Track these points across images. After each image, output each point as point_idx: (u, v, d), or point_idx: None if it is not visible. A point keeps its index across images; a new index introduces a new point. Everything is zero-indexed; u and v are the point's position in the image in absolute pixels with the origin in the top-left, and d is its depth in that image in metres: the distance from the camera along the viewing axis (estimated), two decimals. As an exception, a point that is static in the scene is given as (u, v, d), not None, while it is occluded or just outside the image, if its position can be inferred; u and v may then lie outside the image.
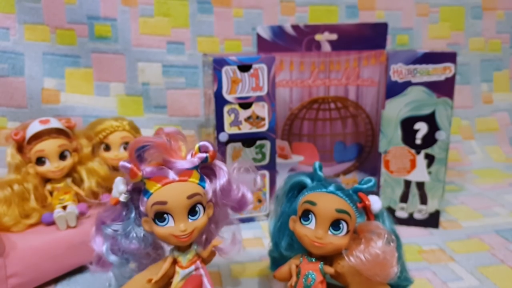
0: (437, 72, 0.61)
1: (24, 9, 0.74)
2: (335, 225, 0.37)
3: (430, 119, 0.62)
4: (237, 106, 0.63)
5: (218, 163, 0.40)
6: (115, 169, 0.63)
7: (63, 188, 0.57)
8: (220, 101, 0.62)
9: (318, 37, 0.69)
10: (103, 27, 0.79)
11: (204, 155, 0.38)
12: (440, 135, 0.62)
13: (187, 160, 0.38)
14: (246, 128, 0.64)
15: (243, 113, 0.64)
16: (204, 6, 0.83)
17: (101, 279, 0.53)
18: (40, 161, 0.55)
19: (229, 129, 0.64)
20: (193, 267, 0.38)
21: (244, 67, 0.62)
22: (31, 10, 0.75)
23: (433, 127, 0.62)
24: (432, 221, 0.65)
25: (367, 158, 0.75)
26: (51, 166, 0.55)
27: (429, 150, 0.63)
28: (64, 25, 0.77)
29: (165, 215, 0.36)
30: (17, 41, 0.74)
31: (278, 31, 0.68)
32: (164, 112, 0.84)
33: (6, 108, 0.74)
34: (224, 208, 0.43)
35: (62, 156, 0.56)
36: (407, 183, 0.65)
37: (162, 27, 0.82)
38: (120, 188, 0.38)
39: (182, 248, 0.39)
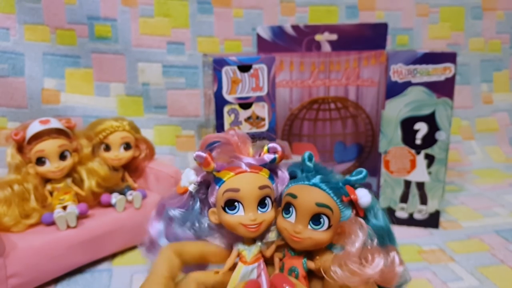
0: (437, 72, 0.61)
1: (24, 9, 0.75)
2: (315, 219, 0.35)
3: (430, 119, 0.62)
4: (237, 107, 0.63)
5: (282, 167, 0.40)
6: (115, 169, 0.63)
7: (63, 188, 0.57)
8: (220, 101, 0.62)
9: (318, 37, 0.69)
10: (103, 27, 0.79)
11: (272, 156, 0.38)
12: (440, 135, 0.62)
13: (255, 158, 0.38)
14: (246, 129, 0.64)
15: (243, 113, 0.64)
16: (204, 7, 0.83)
17: (101, 279, 0.53)
18: (40, 161, 0.55)
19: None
20: (256, 264, 0.38)
21: (244, 67, 0.62)
22: (31, 10, 0.75)
23: (433, 127, 0.62)
24: (432, 221, 0.65)
25: (367, 158, 0.75)
26: (51, 166, 0.55)
27: (429, 150, 0.63)
28: (64, 25, 0.77)
29: (235, 203, 0.36)
30: (17, 41, 0.74)
31: (278, 31, 0.68)
32: (164, 112, 0.84)
33: (6, 108, 0.74)
34: None
35: (62, 156, 0.56)
36: (407, 183, 0.65)
37: (162, 27, 0.82)
38: (191, 177, 0.38)
39: (247, 242, 0.38)
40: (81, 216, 0.56)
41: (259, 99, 0.64)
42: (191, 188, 0.38)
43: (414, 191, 0.65)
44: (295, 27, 0.68)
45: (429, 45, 0.93)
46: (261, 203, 0.37)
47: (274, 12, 0.86)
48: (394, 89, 0.63)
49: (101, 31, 0.79)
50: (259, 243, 0.38)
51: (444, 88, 0.61)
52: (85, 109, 0.79)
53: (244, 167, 0.37)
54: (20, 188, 0.54)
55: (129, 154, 0.64)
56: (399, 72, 0.62)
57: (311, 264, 0.37)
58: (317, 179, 0.37)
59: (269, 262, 0.39)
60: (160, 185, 0.64)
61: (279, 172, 0.40)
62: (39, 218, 0.54)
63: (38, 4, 0.75)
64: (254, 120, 0.64)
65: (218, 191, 0.37)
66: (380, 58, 0.69)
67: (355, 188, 0.37)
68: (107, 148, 0.62)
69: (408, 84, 0.62)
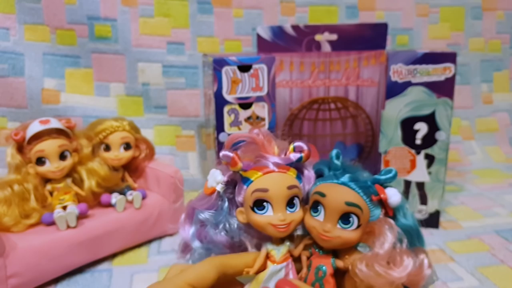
0: (437, 73, 0.61)
1: (24, 9, 0.75)
2: (344, 218, 0.35)
3: (430, 119, 0.62)
4: (237, 107, 0.63)
5: (308, 166, 0.40)
6: (115, 169, 0.63)
7: (63, 188, 0.57)
8: (220, 101, 0.62)
9: (318, 37, 0.69)
10: (103, 27, 0.79)
11: (298, 155, 0.38)
12: (440, 135, 0.62)
13: (281, 157, 0.38)
14: (246, 129, 0.64)
15: (243, 114, 0.64)
16: (204, 7, 0.83)
17: (101, 279, 0.53)
18: (40, 161, 0.55)
19: (229, 130, 0.64)
20: (284, 264, 0.38)
21: (244, 67, 0.62)
22: (31, 10, 0.75)
23: (433, 127, 0.62)
24: (432, 221, 0.65)
25: (367, 159, 0.75)
26: (51, 166, 0.56)
27: (429, 150, 0.63)
28: (64, 25, 0.77)
29: (264, 203, 0.36)
30: (17, 41, 0.74)
31: (278, 31, 0.68)
32: (164, 112, 0.84)
33: (6, 108, 0.74)
34: None
35: (62, 156, 0.56)
36: (407, 183, 0.65)
37: (162, 27, 0.82)
38: (218, 178, 0.38)
39: (276, 242, 0.38)
40: (81, 216, 0.56)
41: (259, 99, 0.64)
42: (219, 188, 0.38)
43: (414, 191, 0.65)
44: (295, 27, 0.68)
45: (429, 45, 0.93)
46: (290, 203, 0.37)
47: (274, 12, 0.86)
48: (394, 89, 0.63)
49: (101, 31, 0.79)
50: (287, 243, 0.38)
51: (444, 88, 0.61)
52: (85, 109, 0.79)
53: (271, 166, 0.37)
54: (20, 188, 0.54)
55: (129, 154, 0.64)
56: (399, 72, 0.62)
57: (340, 263, 0.37)
58: (346, 178, 0.36)
59: (297, 260, 0.39)
60: (160, 185, 0.64)
61: (305, 171, 0.39)
62: (39, 218, 0.54)
63: (38, 4, 0.75)
64: (254, 120, 0.64)
65: (246, 191, 0.37)
66: (380, 58, 0.69)
67: (384, 187, 0.37)
68: (107, 148, 0.62)
69: (408, 84, 0.62)
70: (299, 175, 0.39)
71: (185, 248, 0.41)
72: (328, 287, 0.36)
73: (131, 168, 0.66)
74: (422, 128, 0.63)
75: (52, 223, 0.54)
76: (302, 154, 0.38)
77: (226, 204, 0.39)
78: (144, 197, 0.62)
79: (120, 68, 0.81)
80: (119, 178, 0.63)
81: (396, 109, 0.63)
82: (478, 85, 0.98)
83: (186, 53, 0.83)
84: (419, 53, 0.61)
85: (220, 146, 0.64)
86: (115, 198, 0.60)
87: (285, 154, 0.38)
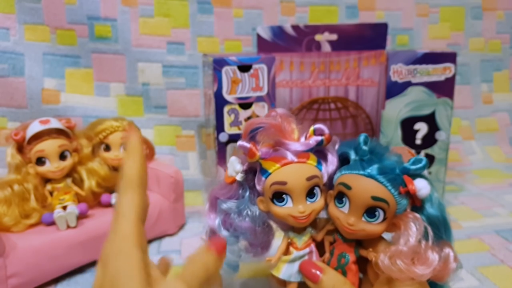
0: (437, 72, 0.61)
1: (24, 9, 0.75)
2: (370, 212, 0.34)
3: (430, 119, 0.62)
4: (237, 107, 0.63)
5: (330, 148, 0.39)
6: (115, 169, 0.63)
7: (63, 188, 0.57)
8: (220, 101, 0.62)
9: (318, 37, 0.69)
10: (103, 27, 0.79)
11: (319, 138, 0.37)
12: (440, 135, 0.62)
13: (301, 142, 0.37)
14: (246, 128, 0.64)
15: (243, 113, 0.64)
16: (204, 6, 0.83)
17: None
18: (40, 161, 0.55)
19: (229, 129, 0.64)
20: (307, 249, 0.38)
21: (244, 67, 0.62)
22: (31, 10, 0.75)
23: (433, 127, 0.62)
24: (432, 221, 0.65)
25: (367, 158, 0.75)
26: (51, 166, 0.55)
27: (429, 150, 0.63)
28: (64, 25, 0.77)
29: (283, 195, 0.36)
30: (17, 41, 0.74)
31: (278, 31, 0.68)
32: (164, 112, 0.84)
33: (6, 108, 0.74)
34: None
35: (62, 156, 0.56)
36: (407, 183, 0.65)
37: (162, 27, 0.82)
38: (237, 167, 0.38)
39: (298, 230, 0.38)
40: (81, 216, 0.56)
41: (259, 99, 0.64)
42: (238, 177, 0.38)
43: (414, 191, 0.65)
44: (295, 27, 0.68)
45: (429, 45, 0.93)
46: (310, 193, 0.36)
47: (274, 12, 0.86)
48: (394, 89, 0.63)
49: (101, 31, 0.79)
50: (309, 229, 0.38)
51: (444, 88, 0.61)
52: (85, 109, 0.79)
53: (290, 157, 0.36)
54: (20, 188, 0.54)
55: (129, 154, 0.64)
56: (399, 72, 0.62)
57: (363, 252, 0.36)
58: (374, 170, 0.34)
59: (319, 244, 0.39)
60: (160, 185, 0.64)
61: (328, 154, 0.38)
62: (39, 218, 0.54)
63: (38, 4, 0.75)
64: (254, 120, 0.64)
65: (265, 182, 0.36)
66: (380, 58, 0.69)
67: (413, 178, 0.35)
68: (107, 148, 0.62)
69: (408, 84, 0.62)
70: (319, 161, 0.37)
71: (212, 236, 0.41)
72: (351, 274, 0.36)
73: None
74: (422, 128, 0.63)
75: (52, 223, 0.54)
76: (323, 137, 0.37)
77: (247, 192, 0.39)
78: (144, 197, 0.62)
79: (120, 68, 0.81)
80: (119, 178, 0.63)
81: (396, 109, 0.63)
82: (478, 85, 0.98)
83: (186, 53, 0.83)
84: (419, 53, 0.61)
85: (220, 146, 0.64)
86: (115, 198, 0.60)
87: (306, 138, 0.37)
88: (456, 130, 0.96)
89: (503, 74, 0.99)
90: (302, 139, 0.37)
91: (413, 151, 0.64)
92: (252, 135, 0.37)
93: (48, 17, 0.76)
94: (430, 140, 0.63)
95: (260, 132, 0.37)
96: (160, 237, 0.63)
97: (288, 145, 0.36)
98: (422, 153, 0.63)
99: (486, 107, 0.98)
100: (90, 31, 0.79)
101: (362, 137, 0.36)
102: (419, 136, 0.63)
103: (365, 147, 0.36)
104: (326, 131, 0.37)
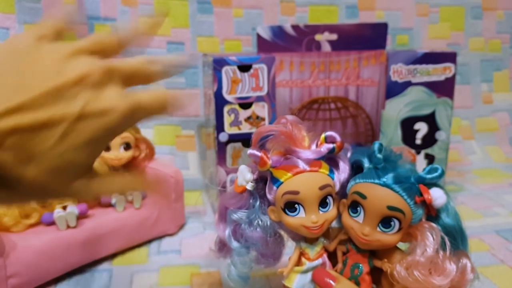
0: (437, 72, 0.61)
1: (24, 9, 0.74)
2: (385, 222, 0.33)
3: (430, 119, 0.62)
4: (237, 106, 0.63)
5: (342, 155, 0.38)
6: (115, 169, 0.63)
7: (63, 188, 0.57)
8: (220, 101, 0.62)
9: (318, 37, 0.69)
10: (103, 27, 0.79)
11: (331, 145, 0.36)
12: (440, 135, 0.62)
13: (312, 150, 0.36)
14: (246, 128, 0.64)
15: (243, 113, 0.64)
16: (204, 6, 0.83)
17: (101, 279, 0.53)
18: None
19: (229, 129, 0.64)
20: (320, 260, 0.37)
21: (244, 67, 0.62)
22: (31, 10, 0.75)
23: (433, 127, 0.62)
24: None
25: (367, 158, 0.75)
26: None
27: (429, 150, 0.63)
28: (64, 25, 0.77)
29: (296, 205, 0.35)
30: (17, 41, 0.74)
31: (278, 31, 0.68)
32: (164, 112, 0.84)
33: (6, 108, 0.74)
34: None
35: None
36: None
37: (162, 27, 0.82)
38: (247, 176, 0.37)
39: (310, 240, 0.37)
40: (81, 216, 0.56)
41: (259, 99, 0.64)
42: (249, 186, 0.37)
43: (414, 191, 0.65)
44: (295, 27, 0.68)
45: (429, 45, 0.93)
46: (322, 203, 0.35)
47: (274, 12, 0.86)
48: (394, 89, 0.63)
49: (101, 31, 0.79)
50: (322, 239, 0.37)
51: (444, 88, 0.61)
52: (85, 109, 0.79)
53: (301, 165, 0.35)
54: (20, 188, 0.54)
55: (129, 154, 0.64)
56: (399, 72, 0.62)
57: (378, 263, 0.36)
58: (389, 179, 0.33)
59: (331, 254, 0.38)
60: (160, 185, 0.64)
61: (340, 163, 0.38)
62: (39, 218, 0.54)
63: (38, 4, 0.75)
64: (254, 120, 0.64)
65: (277, 192, 0.35)
66: (380, 58, 0.69)
67: (429, 187, 0.34)
68: (107, 148, 0.62)
69: (408, 84, 0.62)
70: (332, 169, 0.37)
71: (222, 246, 0.40)
72: (364, 285, 0.36)
73: (131, 168, 0.66)
74: (422, 128, 0.63)
75: (52, 223, 0.54)
76: (335, 145, 0.36)
77: (258, 202, 0.38)
78: (144, 197, 0.62)
79: (120, 68, 0.81)
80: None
81: (396, 109, 0.63)
82: (478, 85, 0.98)
83: (186, 53, 0.83)
84: (419, 53, 0.61)
85: (220, 146, 0.64)
86: (115, 198, 0.60)
87: (317, 145, 0.37)
88: (456, 130, 0.96)
89: (503, 74, 0.99)
90: (313, 146, 0.37)
91: (413, 151, 0.64)
92: (261, 143, 0.36)
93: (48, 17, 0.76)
94: (430, 140, 0.63)
95: (270, 140, 0.36)
96: (160, 237, 0.63)
97: (299, 153, 0.36)
98: (422, 153, 0.63)
99: (486, 107, 0.98)
100: (90, 31, 0.79)
101: (376, 145, 0.36)
102: (419, 136, 0.63)
103: (379, 155, 0.35)
104: (338, 138, 0.37)
